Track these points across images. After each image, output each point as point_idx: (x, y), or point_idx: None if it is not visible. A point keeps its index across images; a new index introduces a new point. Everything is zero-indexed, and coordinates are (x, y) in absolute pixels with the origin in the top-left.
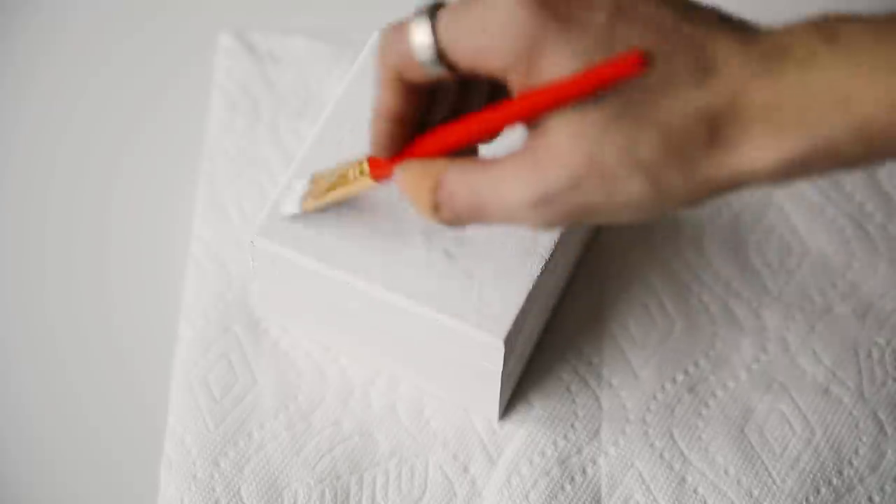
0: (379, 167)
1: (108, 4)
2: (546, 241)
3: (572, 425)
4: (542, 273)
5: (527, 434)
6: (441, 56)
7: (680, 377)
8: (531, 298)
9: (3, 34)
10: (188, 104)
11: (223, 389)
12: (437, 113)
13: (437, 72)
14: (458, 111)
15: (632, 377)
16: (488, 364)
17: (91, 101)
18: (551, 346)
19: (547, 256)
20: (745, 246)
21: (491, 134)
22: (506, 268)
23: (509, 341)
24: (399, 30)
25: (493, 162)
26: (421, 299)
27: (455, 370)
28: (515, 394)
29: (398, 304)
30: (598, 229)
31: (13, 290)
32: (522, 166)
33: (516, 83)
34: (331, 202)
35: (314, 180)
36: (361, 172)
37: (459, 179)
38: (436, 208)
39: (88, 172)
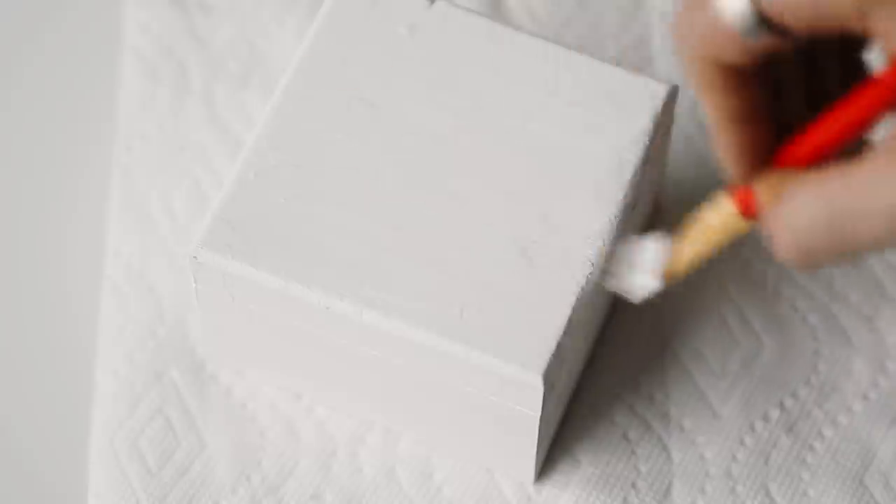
0: (742, 198)
1: None
2: (591, 243)
3: (633, 485)
4: (586, 287)
5: (573, 500)
6: (762, 15)
7: (774, 413)
8: (574, 320)
9: None
10: (90, 72)
11: (161, 458)
12: (790, 109)
13: (764, 41)
14: (813, 101)
15: (710, 416)
16: (521, 408)
17: None
18: (600, 381)
19: (593, 261)
20: None
21: (866, 125)
22: (540, 282)
23: (549, 377)
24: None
25: (852, 164)
26: (429, 327)
27: (475, 419)
28: (555, 446)
29: (397, 334)
30: (654, 217)
31: None
32: None
33: (886, 35)
34: (699, 262)
35: (676, 244)
36: (723, 212)
37: (802, 194)
38: (772, 239)
39: None
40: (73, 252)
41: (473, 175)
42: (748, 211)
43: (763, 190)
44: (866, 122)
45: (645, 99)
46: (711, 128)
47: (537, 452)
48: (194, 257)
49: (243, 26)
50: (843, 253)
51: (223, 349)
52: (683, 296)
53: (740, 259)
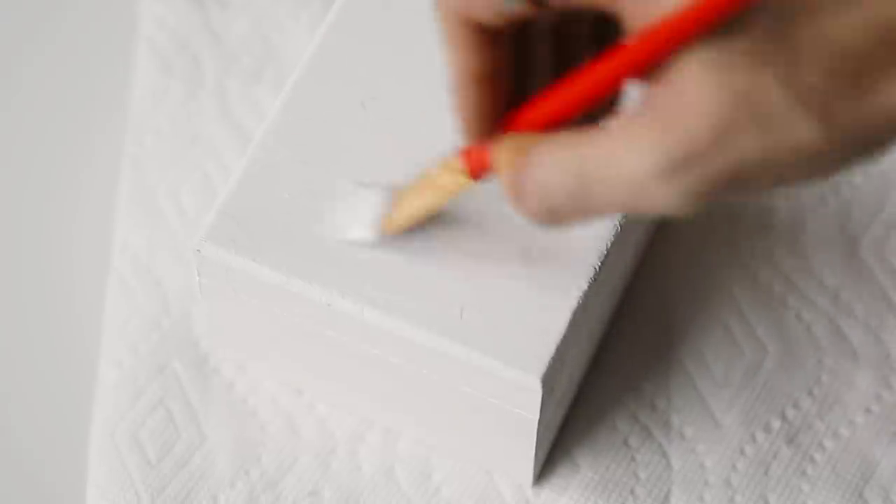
0: (475, 160)
1: None
2: (593, 246)
3: (632, 491)
4: (589, 290)
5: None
6: None
7: (776, 424)
8: (576, 324)
9: None
10: (104, 64)
11: (161, 450)
12: (536, 77)
13: (514, 5)
14: (558, 73)
15: (711, 425)
16: (520, 411)
17: None
18: (602, 386)
19: (596, 268)
20: (857, 245)
21: (606, 91)
22: (541, 284)
23: (548, 380)
24: None
25: (599, 129)
26: (429, 327)
27: (475, 420)
28: (555, 450)
29: (397, 333)
30: (660, 227)
31: None
32: (644, 126)
33: (629, 16)
34: (417, 219)
35: (397, 196)
36: (454, 171)
37: (551, 153)
38: (518, 195)
39: None
40: (81, 243)
41: None
42: (476, 171)
43: (503, 150)
44: (604, 88)
45: None
46: (452, 85)
47: (536, 455)
48: (198, 251)
49: (258, 21)
50: (586, 214)
51: (226, 343)
52: (689, 303)
53: (746, 268)
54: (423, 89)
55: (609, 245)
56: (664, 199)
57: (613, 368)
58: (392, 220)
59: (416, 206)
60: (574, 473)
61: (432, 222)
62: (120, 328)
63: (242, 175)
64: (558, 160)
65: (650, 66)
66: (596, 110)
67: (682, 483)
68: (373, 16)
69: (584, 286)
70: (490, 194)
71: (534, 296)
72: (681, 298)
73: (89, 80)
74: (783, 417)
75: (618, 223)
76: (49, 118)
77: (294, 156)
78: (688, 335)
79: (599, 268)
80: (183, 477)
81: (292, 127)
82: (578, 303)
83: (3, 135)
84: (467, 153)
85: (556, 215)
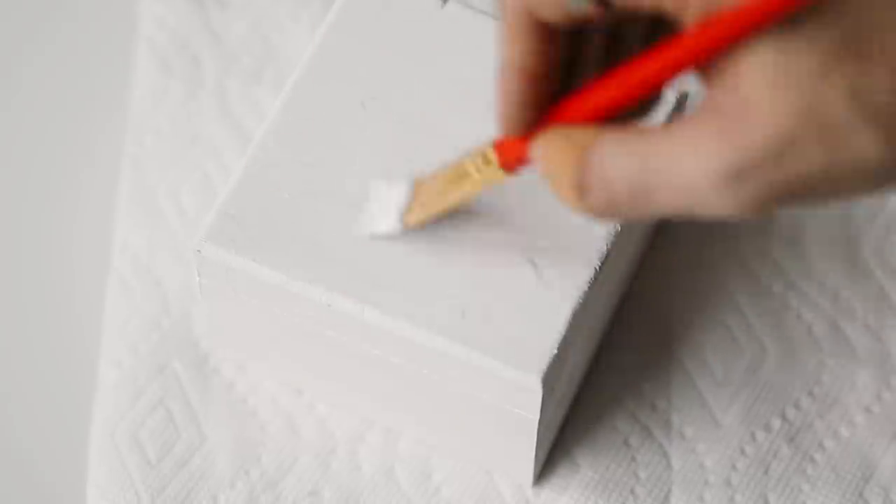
0: (511, 151)
1: None
2: (594, 246)
3: (632, 491)
4: (589, 290)
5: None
6: None
7: (776, 423)
8: (576, 323)
9: None
10: (104, 64)
11: (161, 450)
12: (581, 74)
13: (584, 6)
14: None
15: (711, 425)
16: (520, 411)
17: None
18: (602, 385)
19: (596, 268)
20: (857, 244)
21: (655, 87)
22: (542, 284)
23: (548, 380)
24: None
25: (662, 129)
26: (430, 327)
27: (475, 420)
28: (555, 450)
29: (398, 334)
30: (660, 227)
31: None
32: (706, 131)
33: (690, 16)
34: (443, 211)
35: (418, 187)
36: (486, 163)
37: (615, 150)
38: (582, 190)
39: None
40: (81, 243)
41: None
42: (511, 164)
43: (553, 143)
44: (658, 81)
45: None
46: (499, 76)
47: (536, 455)
48: (198, 251)
49: (258, 21)
50: (644, 213)
51: (226, 343)
52: (689, 303)
53: (747, 268)
54: (423, 89)
55: (609, 245)
56: (722, 205)
57: (613, 368)
58: (414, 213)
59: (441, 199)
60: (574, 473)
61: (437, 223)
62: (120, 328)
63: (242, 175)
64: (623, 158)
65: (709, 58)
66: (636, 109)
67: (683, 483)
68: (373, 16)
69: (585, 286)
70: (489, 195)
71: (534, 296)
72: (681, 298)
73: (89, 79)
74: (783, 417)
75: (616, 224)
76: (49, 118)
77: (294, 156)
78: (688, 335)
79: (599, 268)
80: (183, 477)
81: (292, 127)
82: (579, 303)
83: (3, 134)
84: (502, 145)
85: (614, 212)
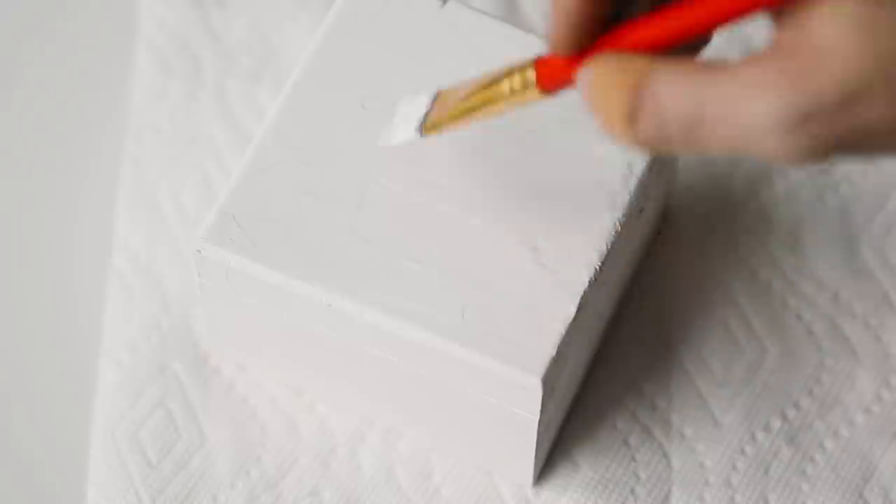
0: (555, 72)
1: None
2: (594, 245)
3: (632, 491)
4: (589, 289)
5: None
6: None
7: (776, 424)
8: (576, 323)
9: None
10: (104, 64)
11: (161, 450)
12: (633, 8)
13: None
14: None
15: (711, 425)
16: (520, 411)
17: None
18: (602, 385)
19: (597, 264)
20: (857, 244)
21: (722, 22)
22: (542, 284)
23: (549, 380)
24: None
25: (724, 66)
26: (430, 327)
27: (475, 420)
28: (555, 449)
29: (399, 334)
30: (661, 222)
31: None
32: (773, 72)
33: None
34: (463, 122)
35: (440, 97)
36: (523, 84)
37: (674, 81)
38: (632, 118)
39: None
40: (80, 242)
41: (480, 176)
42: (551, 84)
43: (607, 67)
44: (727, 17)
45: None
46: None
47: (536, 455)
48: (198, 251)
49: (258, 21)
50: (694, 149)
51: (226, 342)
52: (689, 303)
53: (746, 268)
54: (421, 90)
55: (609, 244)
56: (778, 150)
57: (613, 368)
58: (435, 120)
59: (465, 111)
60: (574, 473)
61: (430, 222)
62: (120, 327)
63: (242, 175)
64: (680, 89)
65: (771, 3)
66: (691, 43)
67: (682, 483)
68: (372, 16)
69: (585, 285)
70: (491, 193)
71: (534, 295)
72: (681, 298)
73: (89, 79)
74: (783, 417)
75: (617, 224)
76: (49, 118)
77: (293, 156)
78: (688, 335)
79: (600, 268)
80: (183, 478)
81: (291, 127)
82: (579, 302)
83: (3, 134)
84: (546, 64)
85: (663, 144)
